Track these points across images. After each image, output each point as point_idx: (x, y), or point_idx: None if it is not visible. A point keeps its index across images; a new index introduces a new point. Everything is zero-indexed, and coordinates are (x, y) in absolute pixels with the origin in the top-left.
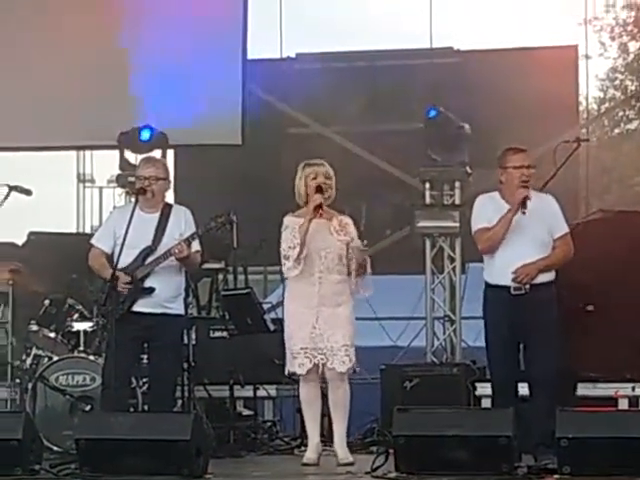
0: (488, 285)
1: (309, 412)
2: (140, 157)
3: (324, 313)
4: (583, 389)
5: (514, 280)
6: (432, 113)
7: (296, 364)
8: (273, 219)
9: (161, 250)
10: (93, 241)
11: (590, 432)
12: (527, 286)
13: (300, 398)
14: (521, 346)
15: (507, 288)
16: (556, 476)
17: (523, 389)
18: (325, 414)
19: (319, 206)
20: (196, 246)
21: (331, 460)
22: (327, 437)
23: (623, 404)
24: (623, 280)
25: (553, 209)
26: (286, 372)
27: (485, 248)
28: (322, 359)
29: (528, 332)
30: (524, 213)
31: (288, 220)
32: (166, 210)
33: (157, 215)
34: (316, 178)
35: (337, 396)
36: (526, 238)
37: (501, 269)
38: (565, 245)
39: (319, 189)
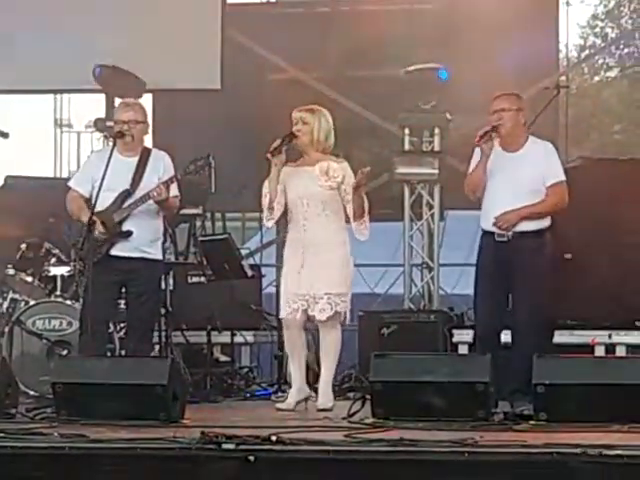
0: (482, 231)
1: (290, 358)
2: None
3: (309, 259)
4: (560, 336)
5: (494, 226)
6: (444, 75)
7: (280, 308)
8: (251, 165)
9: (139, 193)
10: (71, 184)
11: (566, 379)
12: (510, 233)
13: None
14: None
15: (493, 234)
16: (532, 422)
17: (507, 336)
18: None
19: (272, 152)
20: (174, 191)
21: (310, 405)
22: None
23: (600, 351)
24: (601, 228)
25: (548, 156)
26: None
27: (467, 193)
28: (303, 305)
29: (513, 280)
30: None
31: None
32: (145, 154)
33: (136, 159)
34: (296, 125)
35: (324, 343)
36: (515, 184)
37: (488, 214)
38: (556, 194)
39: (287, 136)
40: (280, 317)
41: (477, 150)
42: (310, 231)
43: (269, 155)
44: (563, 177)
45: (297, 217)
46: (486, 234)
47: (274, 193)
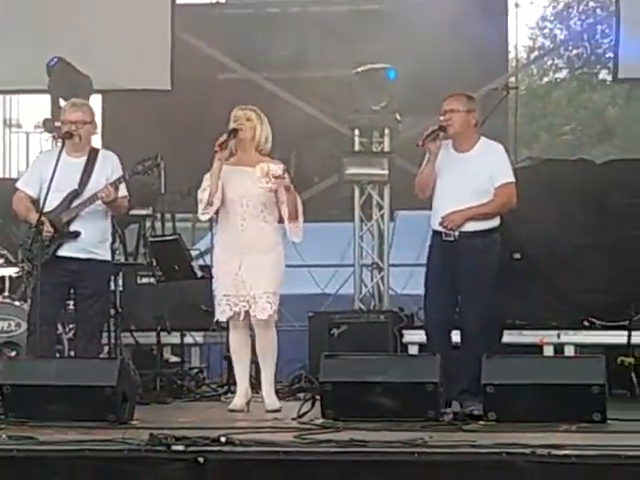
0: (432, 230)
1: (236, 359)
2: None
3: (247, 260)
4: (509, 336)
5: (440, 225)
6: (392, 75)
7: (219, 311)
8: (201, 165)
9: (87, 194)
10: (19, 185)
11: (515, 379)
12: (456, 233)
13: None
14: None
15: (441, 234)
16: (481, 422)
17: (456, 336)
18: (253, 361)
19: (219, 146)
20: (123, 191)
21: (259, 407)
22: (255, 384)
23: (548, 351)
24: (550, 228)
25: (498, 157)
26: (214, 319)
27: (417, 192)
28: (244, 306)
29: (459, 279)
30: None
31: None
32: (93, 154)
33: (84, 159)
34: (237, 121)
35: (263, 343)
36: (464, 184)
37: (437, 214)
38: (503, 195)
39: (232, 131)
40: (220, 320)
41: None
42: (247, 232)
43: (217, 148)
44: (512, 178)
45: (234, 217)
46: (435, 234)
47: (214, 187)
